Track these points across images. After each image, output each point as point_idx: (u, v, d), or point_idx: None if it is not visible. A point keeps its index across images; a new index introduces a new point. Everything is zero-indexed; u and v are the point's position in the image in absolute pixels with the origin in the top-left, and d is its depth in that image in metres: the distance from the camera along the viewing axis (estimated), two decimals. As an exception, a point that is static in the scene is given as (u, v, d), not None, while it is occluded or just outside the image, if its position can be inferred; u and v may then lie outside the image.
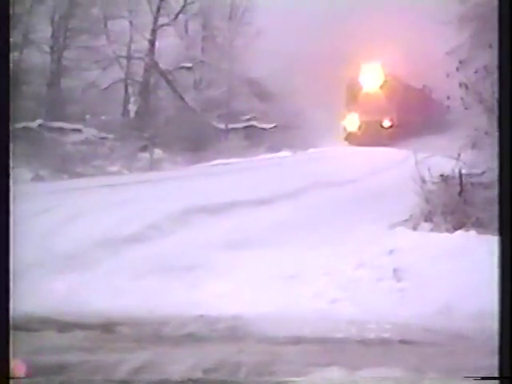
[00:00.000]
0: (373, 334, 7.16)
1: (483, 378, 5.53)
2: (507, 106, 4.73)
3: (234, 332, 7.20)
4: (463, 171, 10.98)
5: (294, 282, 8.79)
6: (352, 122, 38.23)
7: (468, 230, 9.47)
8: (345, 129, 38.35)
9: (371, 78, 38.89)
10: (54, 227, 10.71)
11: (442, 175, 11.29)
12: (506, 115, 4.73)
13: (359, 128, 38.00)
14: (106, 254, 10.22)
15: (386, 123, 38.00)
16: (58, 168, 21.86)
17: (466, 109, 11.53)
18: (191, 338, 7.03)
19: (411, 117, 39.24)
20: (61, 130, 25.50)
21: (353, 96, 38.58)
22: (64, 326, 7.22)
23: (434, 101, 46.24)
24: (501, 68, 4.77)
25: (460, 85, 11.32)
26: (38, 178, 19.82)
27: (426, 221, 10.73)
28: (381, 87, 38.69)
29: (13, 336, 6.99)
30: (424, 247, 9.04)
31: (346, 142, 38.15)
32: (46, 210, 11.73)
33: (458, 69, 11.91)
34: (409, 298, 7.94)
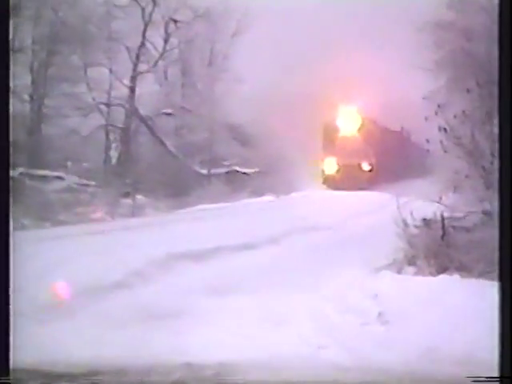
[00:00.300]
0: (358, 380, 7.14)
1: (483, 378, 5.54)
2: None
3: (220, 379, 7.15)
4: (445, 214, 11.03)
5: (279, 328, 8.75)
6: (330, 165, 38.10)
7: (451, 274, 9.49)
8: (323, 172, 38.14)
9: (348, 121, 38.90)
10: (37, 276, 10.62)
11: (424, 219, 11.34)
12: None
13: (337, 172, 37.83)
14: (89, 301, 10.15)
15: (365, 167, 38.07)
16: (40, 216, 21.78)
17: (445, 152, 11.63)
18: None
19: (390, 160, 39.10)
20: (42, 177, 25.45)
21: (330, 139, 38.46)
22: (48, 377, 7.14)
23: (413, 144, 46.23)
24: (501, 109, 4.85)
25: (439, 129, 11.43)
26: (20, 227, 19.72)
27: (409, 264, 10.76)
28: (358, 130, 38.70)
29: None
30: (408, 291, 9.05)
31: (324, 186, 37.95)
32: (29, 258, 11.67)
33: (436, 113, 12.03)
34: (393, 342, 7.92)
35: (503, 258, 5.22)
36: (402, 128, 43.94)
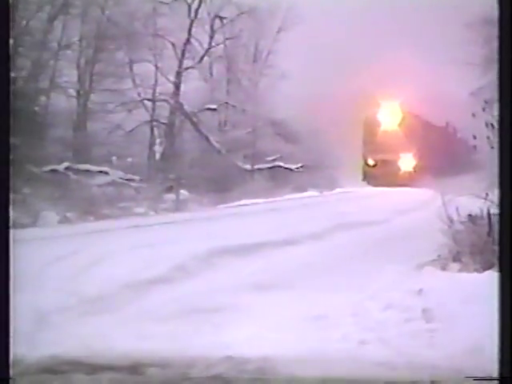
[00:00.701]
0: (402, 376, 7.06)
1: (483, 379, 5.46)
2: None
3: (262, 373, 7.13)
4: (491, 211, 10.89)
5: (321, 324, 8.71)
6: (370, 161, 37.19)
7: (497, 271, 9.36)
8: (363, 168, 37.36)
9: (389, 115, 37.72)
10: (81, 270, 10.72)
11: (470, 215, 11.21)
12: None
13: (377, 167, 36.84)
14: (133, 296, 10.21)
15: (407, 162, 36.82)
16: (84, 210, 21.97)
17: (492, 148, 11.47)
18: (219, 380, 6.97)
19: (434, 155, 37.81)
20: (87, 172, 25.67)
21: (371, 134, 37.41)
22: (92, 368, 7.19)
23: (459, 139, 45.12)
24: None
25: (486, 124, 11.27)
26: (65, 220, 19.92)
27: (454, 261, 10.64)
28: (399, 125, 37.51)
29: (42, 378, 7.01)
30: (453, 287, 8.95)
31: (365, 182, 37.30)
32: (73, 252, 11.77)
33: (484, 109, 11.87)
34: (438, 339, 7.83)
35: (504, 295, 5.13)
36: (447, 123, 42.92)
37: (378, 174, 36.39)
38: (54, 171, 23.75)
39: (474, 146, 14.21)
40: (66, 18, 28.15)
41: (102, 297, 9.85)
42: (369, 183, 36.96)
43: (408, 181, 35.31)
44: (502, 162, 4.95)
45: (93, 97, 30.11)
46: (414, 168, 36.55)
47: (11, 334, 4.41)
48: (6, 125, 4.37)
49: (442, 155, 38.73)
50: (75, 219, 20.70)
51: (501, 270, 5.05)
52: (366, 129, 37.82)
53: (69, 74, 28.92)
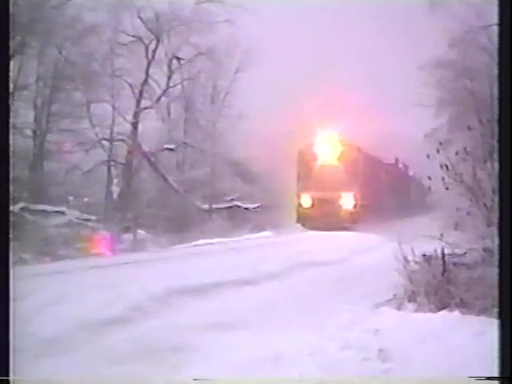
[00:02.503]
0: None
1: (483, 379, 5.51)
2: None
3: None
4: (446, 251, 11.04)
5: (278, 363, 8.71)
6: (304, 200, 33.75)
7: (452, 311, 9.47)
8: (297, 208, 33.86)
9: (327, 147, 34.10)
10: (37, 311, 10.60)
11: (424, 255, 11.33)
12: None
13: (313, 207, 33.37)
14: (89, 337, 10.11)
15: (348, 202, 33.13)
16: (40, 251, 21.78)
17: (446, 189, 11.67)
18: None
19: (381, 195, 35.83)
20: (43, 212, 25.50)
21: (306, 169, 34.08)
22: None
23: (410, 178, 44.39)
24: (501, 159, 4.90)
25: (441, 166, 11.47)
26: (20, 262, 19.70)
27: (409, 301, 10.73)
28: (339, 159, 33.96)
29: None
30: (409, 327, 9.02)
31: (299, 225, 33.51)
32: (28, 293, 11.64)
33: (438, 150, 12.08)
34: (394, 379, 7.87)
35: (503, 295, 5.25)
36: (397, 160, 41.66)
37: (315, 214, 32.86)
38: (8, 212, 23.51)
39: (429, 188, 14.41)
40: (22, 58, 28.10)
41: (57, 338, 9.74)
42: (304, 225, 33.15)
43: (350, 223, 32.05)
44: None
45: (49, 137, 30.09)
46: (356, 208, 33.16)
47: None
48: (6, 164, 4.40)
49: (391, 195, 37.45)
50: (31, 260, 20.50)
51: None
52: (301, 162, 34.73)
53: (25, 115, 28.84)
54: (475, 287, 9.91)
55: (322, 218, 32.05)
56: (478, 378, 5.72)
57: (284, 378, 7.39)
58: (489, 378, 5.43)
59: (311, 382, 7.09)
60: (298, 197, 34.02)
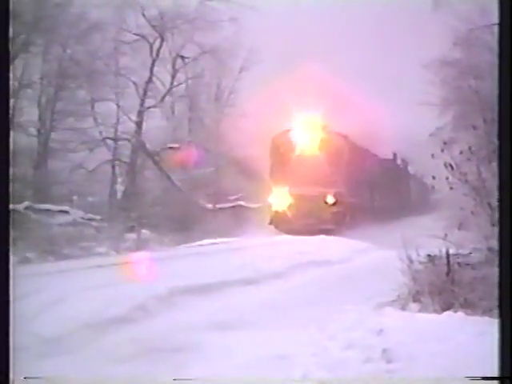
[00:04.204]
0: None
1: (483, 378, 5.50)
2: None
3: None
4: (450, 251, 11.01)
5: (282, 363, 8.70)
6: (279, 197, 29.07)
7: (456, 311, 9.44)
8: (270, 208, 29.54)
9: (306, 133, 29.64)
10: (41, 310, 10.60)
11: (429, 255, 11.31)
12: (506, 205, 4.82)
13: (289, 206, 28.68)
14: (92, 336, 10.11)
15: (329, 199, 28.43)
16: (44, 250, 21.78)
17: (451, 189, 11.64)
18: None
19: (374, 192, 32.46)
20: (47, 211, 25.50)
21: (281, 160, 29.78)
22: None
23: (411, 176, 40.91)
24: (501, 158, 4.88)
25: (445, 165, 11.44)
26: (24, 261, 19.71)
27: (414, 301, 10.71)
28: (320, 149, 29.42)
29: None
30: (412, 328, 9.00)
31: (272, 227, 29.17)
32: (33, 292, 11.64)
33: (442, 150, 12.05)
34: (398, 380, 7.85)
35: (503, 295, 5.23)
36: (395, 155, 37.75)
37: (291, 215, 28.55)
38: (13, 211, 23.52)
39: (433, 187, 14.38)
40: (26, 56, 28.14)
41: (61, 337, 9.74)
42: (277, 228, 28.89)
43: (333, 225, 27.66)
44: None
45: (54, 135, 30.11)
46: (341, 207, 28.47)
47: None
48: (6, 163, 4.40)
49: (387, 193, 34.05)
50: (35, 259, 20.50)
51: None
52: (275, 153, 30.51)
53: (29, 113, 28.90)
54: (479, 287, 9.89)
55: (299, 219, 27.82)
56: (478, 378, 5.70)
57: (286, 379, 7.36)
58: (489, 378, 5.41)
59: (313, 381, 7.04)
60: (271, 194, 29.63)
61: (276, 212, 28.92)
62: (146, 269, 15.81)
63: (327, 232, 26.12)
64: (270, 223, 29.06)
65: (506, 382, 4.98)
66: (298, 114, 29.26)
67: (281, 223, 28.62)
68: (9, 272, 4.31)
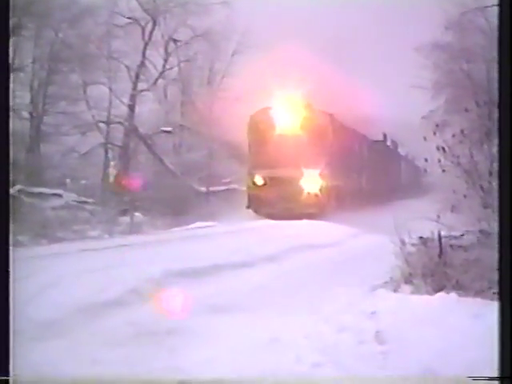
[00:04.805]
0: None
1: (483, 378, 5.53)
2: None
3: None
4: (442, 233, 11.05)
5: (275, 346, 8.73)
6: (256, 179, 27.71)
7: (448, 293, 9.48)
8: (248, 190, 28.36)
9: (287, 112, 27.89)
10: (34, 294, 10.60)
11: (421, 237, 11.34)
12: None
13: (267, 188, 27.15)
14: (86, 320, 10.12)
15: (313, 181, 26.83)
16: (37, 233, 21.77)
17: (443, 171, 11.67)
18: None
19: (362, 174, 31.57)
20: (40, 195, 25.48)
21: (260, 139, 28.17)
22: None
23: (401, 158, 40.04)
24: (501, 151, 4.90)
25: (437, 148, 11.47)
26: (17, 244, 19.69)
27: (406, 283, 10.76)
28: (302, 128, 27.71)
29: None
30: (405, 309, 9.04)
31: (250, 211, 27.88)
32: (26, 275, 11.64)
33: (435, 132, 12.07)
34: (391, 361, 7.90)
35: (503, 277, 5.26)
36: (386, 136, 36.37)
37: (270, 198, 26.71)
38: (6, 194, 23.51)
39: (425, 170, 14.38)
40: (18, 39, 28.01)
41: (54, 321, 9.75)
42: (256, 211, 27.48)
43: (316, 209, 26.25)
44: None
45: (46, 119, 30.05)
46: (324, 191, 26.91)
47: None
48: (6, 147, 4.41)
49: (375, 175, 32.94)
50: (28, 242, 20.49)
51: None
52: (253, 131, 28.72)
53: (22, 97, 28.76)
54: (472, 269, 9.94)
55: (279, 203, 26.22)
56: (479, 378, 5.73)
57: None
58: (489, 378, 5.44)
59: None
60: (249, 175, 28.17)
61: (254, 195, 27.52)
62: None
63: (310, 216, 25.04)
64: (248, 207, 27.88)
65: (505, 381, 5.01)
66: (280, 92, 27.77)
67: (260, 207, 27.29)
68: (8, 259, 4.32)
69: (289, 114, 27.92)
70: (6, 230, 4.29)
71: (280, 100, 27.94)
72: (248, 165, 28.66)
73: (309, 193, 26.66)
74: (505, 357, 4.91)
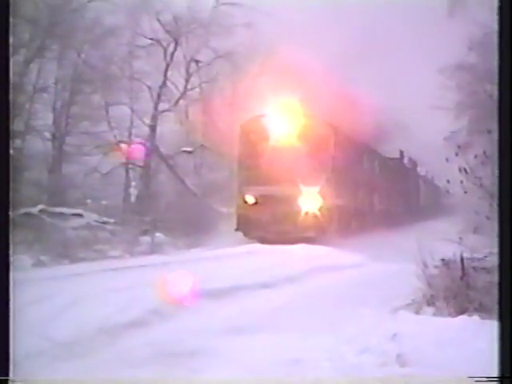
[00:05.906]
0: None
1: (483, 379, 5.48)
2: (508, 192, 4.80)
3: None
4: (465, 255, 10.99)
5: (296, 367, 8.69)
6: (247, 197, 25.19)
7: (471, 315, 9.41)
8: (238, 210, 25.84)
9: (283, 120, 25.04)
10: (55, 314, 10.62)
11: (443, 259, 11.28)
12: (506, 201, 4.81)
13: (259, 208, 24.51)
14: (107, 340, 10.13)
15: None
16: (59, 253, 21.83)
17: (465, 193, 11.62)
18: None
19: (372, 194, 29.28)
20: (62, 215, 25.58)
21: (251, 152, 25.42)
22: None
23: (420, 177, 38.15)
24: (500, 155, 4.87)
25: (460, 169, 11.42)
26: (39, 264, 19.78)
27: (428, 305, 10.70)
28: (300, 137, 24.89)
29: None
30: (427, 332, 8.97)
31: (240, 233, 25.06)
32: (47, 296, 11.67)
33: (457, 154, 12.04)
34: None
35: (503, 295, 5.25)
36: (402, 154, 34.14)
37: (262, 219, 24.01)
38: (28, 214, 23.63)
39: (447, 191, 14.30)
40: (41, 61, 28.35)
41: (76, 341, 9.76)
42: (246, 234, 24.86)
43: (315, 232, 23.45)
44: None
45: (68, 139, 30.27)
46: (324, 210, 23.86)
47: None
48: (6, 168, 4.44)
49: (387, 195, 30.94)
50: (49, 262, 20.55)
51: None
52: (244, 143, 26.14)
53: (44, 117, 29.10)
54: (495, 291, 9.86)
55: (272, 225, 23.65)
56: (478, 379, 5.68)
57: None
58: (489, 378, 5.39)
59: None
60: (239, 193, 25.77)
61: (244, 216, 24.83)
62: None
63: (308, 240, 22.18)
64: (237, 229, 25.12)
65: (506, 381, 4.96)
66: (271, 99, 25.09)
67: (250, 229, 24.57)
68: (9, 278, 4.34)
69: (284, 122, 25.22)
70: (6, 252, 4.30)
71: (273, 106, 25.43)
72: (237, 181, 26.20)
73: (307, 213, 23.80)
74: (505, 357, 4.87)
